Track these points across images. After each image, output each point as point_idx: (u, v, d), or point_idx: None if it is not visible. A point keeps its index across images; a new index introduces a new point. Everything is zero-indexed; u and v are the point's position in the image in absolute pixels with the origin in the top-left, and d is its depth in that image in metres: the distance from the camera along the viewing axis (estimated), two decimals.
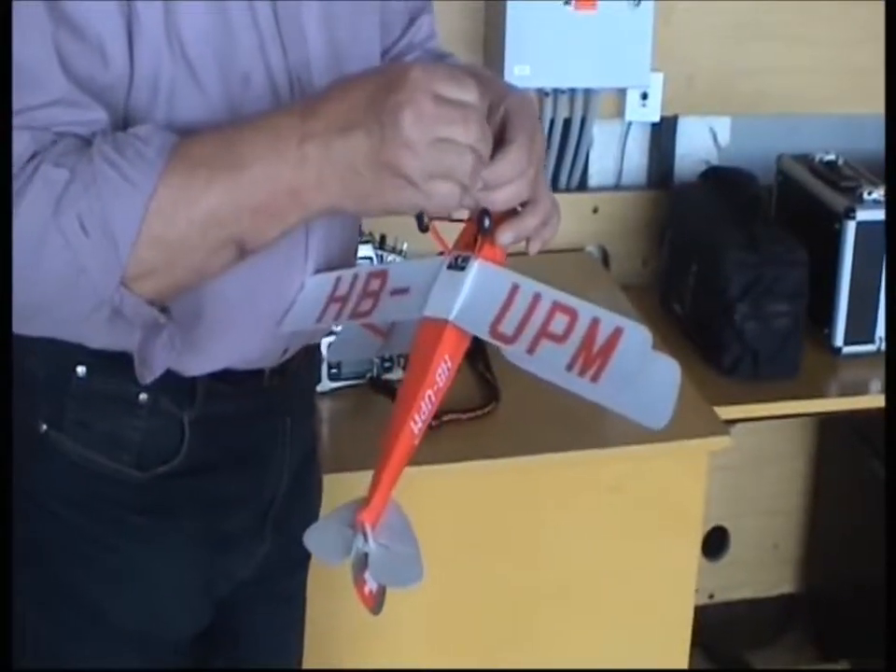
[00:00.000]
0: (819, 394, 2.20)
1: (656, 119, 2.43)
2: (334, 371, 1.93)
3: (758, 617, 2.79)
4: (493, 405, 1.91)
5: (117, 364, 1.14)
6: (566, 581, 1.92)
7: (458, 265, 1.06)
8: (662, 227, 2.44)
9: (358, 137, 0.97)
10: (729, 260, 2.13)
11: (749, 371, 2.16)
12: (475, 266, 1.05)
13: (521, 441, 1.86)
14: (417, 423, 1.04)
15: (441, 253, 1.11)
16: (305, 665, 1.56)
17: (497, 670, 1.90)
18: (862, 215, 2.21)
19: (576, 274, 2.34)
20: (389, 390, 1.93)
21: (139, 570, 1.25)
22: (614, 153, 2.50)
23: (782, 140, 2.51)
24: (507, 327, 1.01)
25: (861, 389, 2.25)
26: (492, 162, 1.04)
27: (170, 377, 1.16)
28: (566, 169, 2.43)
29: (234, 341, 1.19)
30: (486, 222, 1.06)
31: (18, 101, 0.99)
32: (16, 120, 0.99)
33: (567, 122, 2.38)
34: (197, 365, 1.19)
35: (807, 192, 2.32)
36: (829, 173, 2.33)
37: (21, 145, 0.99)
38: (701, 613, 2.65)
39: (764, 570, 2.81)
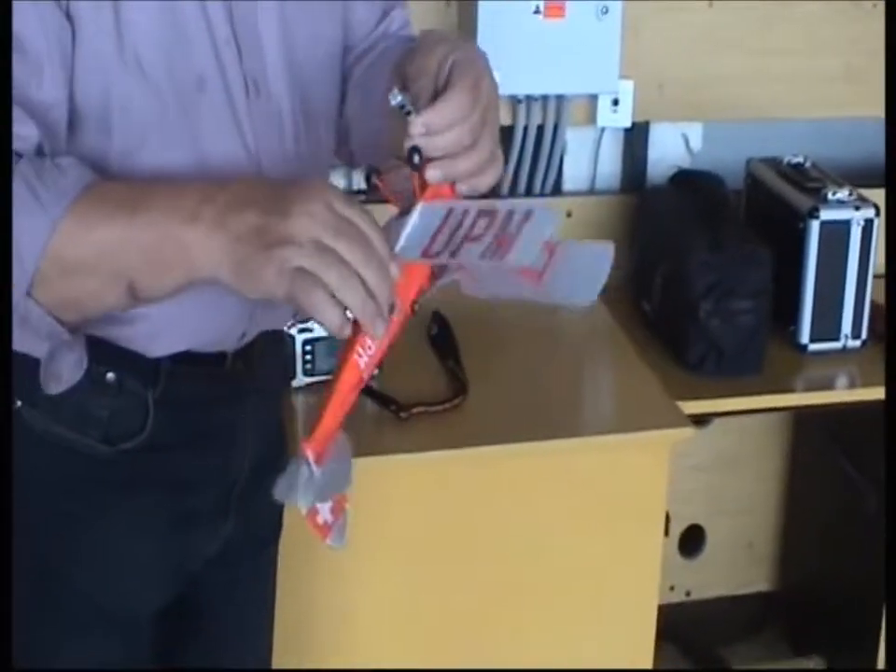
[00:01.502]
0: (785, 389, 2.25)
1: (627, 124, 2.49)
2: (308, 366, 1.99)
3: (733, 614, 2.83)
4: (461, 398, 1.97)
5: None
6: (532, 570, 1.96)
7: (408, 211, 1.12)
8: (634, 230, 2.50)
9: (251, 214, 1.03)
10: (694, 260, 2.19)
11: (714, 367, 2.21)
12: (418, 207, 1.12)
13: (487, 432, 1.91)
14: (362, 356, 1.08)
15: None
16: (278, 659, 1.62)
17: (458, 670, 1.95)
18: (826, 214, 2.26)
19: None
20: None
21: (105, 542, 1.31)
22: (588, 158, 2.56)
23: (755, 145, 2.56)
24: (438, 245, 1.08)
25: (826, 385, 2.30)
26: (432, 106, 1.10)
27: (135, 358, 1.24)
28: (539, 174, 2.48)
29: (191, 323, 1.25)
30: (416, 159, 1.11)
31: None
32: None
33: (541, 129, 2.44)
34: (158, 347, 1.26)
35: (774, 194, 2.38)
36: (795, 175, 2.38)
37: None
38: (677, 610, 2.71)
39: (739, 568, 2.86)
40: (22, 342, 1.15)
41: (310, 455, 1.07)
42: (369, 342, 1.08)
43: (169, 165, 1.18)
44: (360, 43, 1.41)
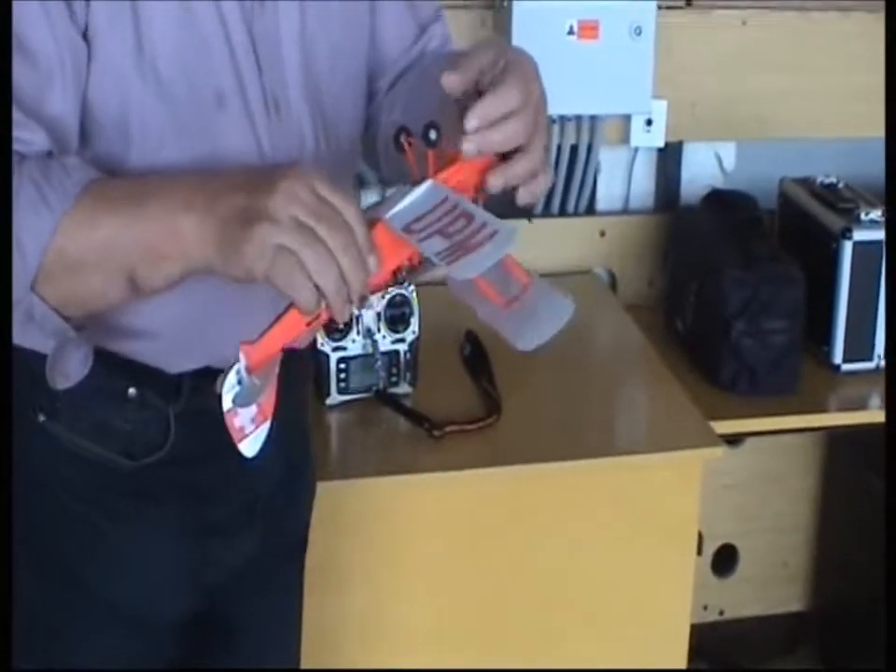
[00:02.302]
0: (818, 409, 2.25)
1: (661, 144, 2.50)
2: (343, 384, 2.00)
3: (767, 634, 2.83)
4: (494, 417, 1.98)
5: (102, 360, 1.22)
6: (563, 589, 1.97)
7: (417, 183, 1.13)
8: (667, 249, 2.51)
9: (238, 196, 1.05)
10: (726, 279, 2.19)
11: (747, 386, 2.22)
12: (427, 183, 1.12)
13: (520, 451, 1.92)
14: None
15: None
16: (304, 664, 1.62)
17: (493, 670, 1.95)
18: (859, 235, 2.26)
19: (583, 296, 2.38)
20: (394, 403, 2.00)
21: (127, 553, 1.33)
22: (621, 178, 2.57)
23: (788, 165, 2.56)
24: (420, 225, 1.09)
25: (859, 405, 2.29)
26: (484, 98, 1.10)
27: (156, 374, 1.27)
28: (573, 194, 2.50)
29: (210, 339, 1.27)
30: (432, 135, 1.11)
31: None
32: None
33: (574, 148, 2.45)
34: (178, 363, 1.28)
35: (807, 214, 2.38)
36: (828, 195, 2.38)
37: None
38: (710, 630, 2.71)
39: (774, 588, 2.85)
40: (28, 338, 1.17)
41: (245, 359, 1.08)
42: None
43: None
44: (396, 63, 1.40)
